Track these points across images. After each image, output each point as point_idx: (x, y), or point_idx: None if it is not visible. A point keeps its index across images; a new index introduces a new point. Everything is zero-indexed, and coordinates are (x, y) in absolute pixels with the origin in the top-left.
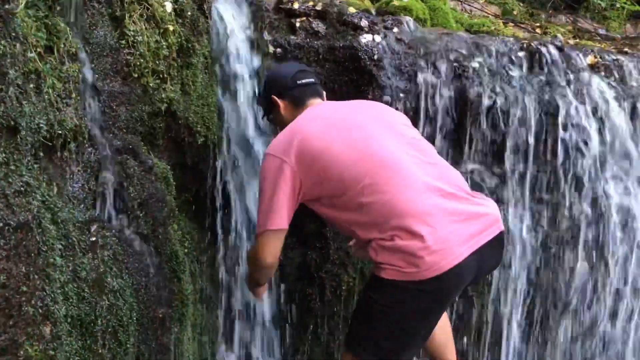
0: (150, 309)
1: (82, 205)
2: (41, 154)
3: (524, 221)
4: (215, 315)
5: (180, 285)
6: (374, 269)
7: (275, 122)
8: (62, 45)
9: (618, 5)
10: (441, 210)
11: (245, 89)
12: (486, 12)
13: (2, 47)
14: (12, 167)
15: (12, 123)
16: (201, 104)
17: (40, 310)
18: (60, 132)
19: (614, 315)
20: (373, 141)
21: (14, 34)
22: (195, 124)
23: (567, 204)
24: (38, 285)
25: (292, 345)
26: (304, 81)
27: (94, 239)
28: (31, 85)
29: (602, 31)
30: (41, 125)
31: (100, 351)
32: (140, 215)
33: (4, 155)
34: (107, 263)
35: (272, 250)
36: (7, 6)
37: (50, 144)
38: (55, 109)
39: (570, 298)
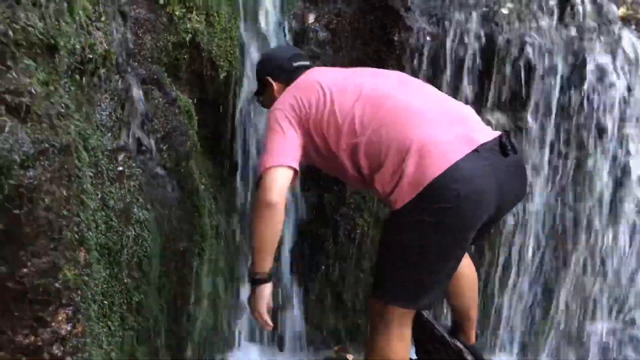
0: (172, 241)
1: (110, 134)
2: (77, 77)
3: (541, 174)
4: (230, 252)
5: (200, 220)
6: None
7: (265, 104)
8: None
9: None
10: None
11: (269, 21)
12: None
13: None
14: (52, 88)
15: (52, 42)
16: (224, 37)
17: (77, 236)
18: (90, 56)
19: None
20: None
21: None
22: (218, 57)
23: (589, 159)
24: (74, 211)
25: (303, 284)
26: (300, 63)
27: (121, 168)
28: (65, 5)
29: None
30: (76, 47)
31: (125, 280)
32: (164, 148)
33: (44, 74)
34: (133, 193)
35: (279, 186)
36: None
37: (81, 68)
38: (85, 32)
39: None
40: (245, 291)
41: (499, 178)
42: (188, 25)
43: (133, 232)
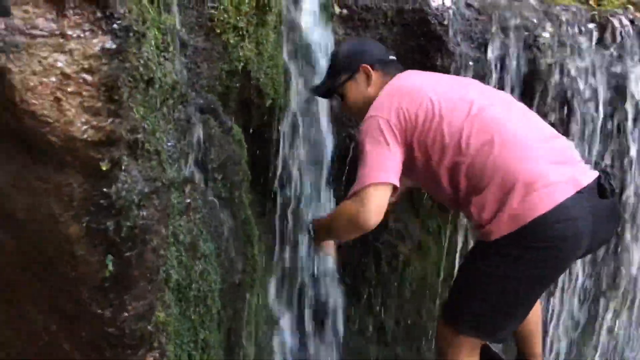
0: (228, 274)
1: (176, 165)
2: (164, 109)
3: None
4: (268, 280)
5: (252, 250)
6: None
7: (352, 97)
8: None
9: None
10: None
11: (313, 50)
12: None
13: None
14: (151, 122)
15: (151, 75)
16: (271, 64)
17: (164, 275)
18: (163, 87)
19: None
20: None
21: None
22: (265, 85)
23: (631, 181)
24: (167, 248)
25: (344, 313)
26: (393, 57)
27: (188, 200)
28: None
29: None
30: (162, 79)
31: (192, 317)
32: (219, 178)
33: (143, 108)
34: (198, 226)
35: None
36: None
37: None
38: (157, 63)
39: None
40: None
41: (596, 221)
42: (240, 54)
43: (200, 267)
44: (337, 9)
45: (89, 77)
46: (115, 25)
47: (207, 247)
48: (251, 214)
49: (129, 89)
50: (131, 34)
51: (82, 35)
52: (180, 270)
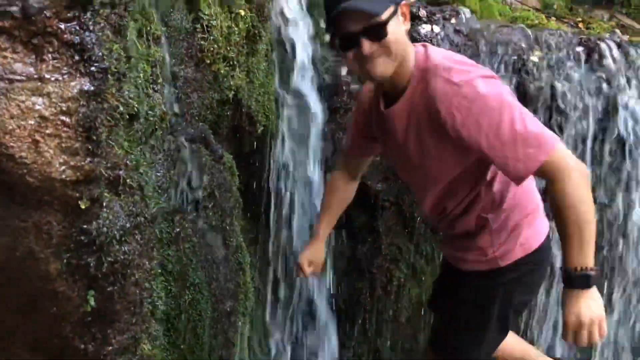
0: (219, 302)
1: (166, 195)
2: (151, 141)
3: None
4: (262, 307)
5: (244, 277)
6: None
7: (397, 33)
8: (149, 28)
9: None
10: None
11: (305, 76)
12: (526, 6)
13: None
14: (134, 157)
15: (135, 110)
16: (262, 92)
17: (150, 307)
18: (151, 119)
19: None
20: None
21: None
22: (256, 112)
23: (621, 203)
24: (152, 282)
25: (339, 340)
26: None
27: (177, 230)
28: (135, 71)
29: None
30: (148, 112)
31: (181, 347)
32: (209, 206)
33: (126, 143)
34: (188, 255)
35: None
36: None
37: (148, 131)
38: (146, 95)
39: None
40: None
41: None
42: (231, 83)
43: (189, 296)
44: (327, 37)
45: (66, 119)
46: (93, 68)
47: (197, 275)
48: (243, 240)
49: (108, 128)
50: (110, 75)
51: (60, 78)
52: (169, 301)
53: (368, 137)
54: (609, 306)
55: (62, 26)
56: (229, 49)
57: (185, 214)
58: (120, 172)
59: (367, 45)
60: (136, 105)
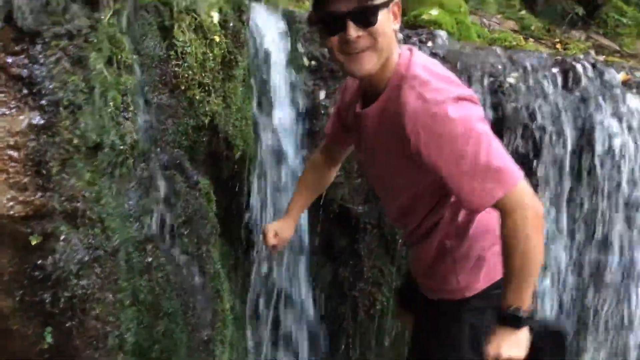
0: (196, 331)
1: (137, 224)
2: (116, 171)
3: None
4: (242, 334)
5: (222, 305)
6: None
7: (384, 25)
8: (120, 56)
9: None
10: None
11: (282, 101)
12: (504, 27)
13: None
14: (97, 188)
15: (98, 140)
16: (240, 117)
17: (117, 340)
18: (121, 147)
19: None
20: None
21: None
22: (234, 137)
23: (602, 217)
24: (117, 315)
25: None
26: None
27: (150, 259)
28: (103, 100)
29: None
30: (115, 142)
31: None
32: (185, 233)
33: (89, 174)
34: (161, 285)
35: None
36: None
37: (115, 160)
38: (116, 123)
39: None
40: None
41: None
42: (207, 109)
43: (162, 327)
44: (305, 61)
45: (14, 154)
46: (43, 101)
47: (172, 304)
48: (222, 266)
49: (61, 161)
50: (62, 108)
51: (7, 112)
52: (141, 331)
53: (347, 129)
54: None
55: (10, 60)
56: (204, 75)
57: (158, 242)
58: (78, 205)
59: (353, 30)
60: (95, 137)
